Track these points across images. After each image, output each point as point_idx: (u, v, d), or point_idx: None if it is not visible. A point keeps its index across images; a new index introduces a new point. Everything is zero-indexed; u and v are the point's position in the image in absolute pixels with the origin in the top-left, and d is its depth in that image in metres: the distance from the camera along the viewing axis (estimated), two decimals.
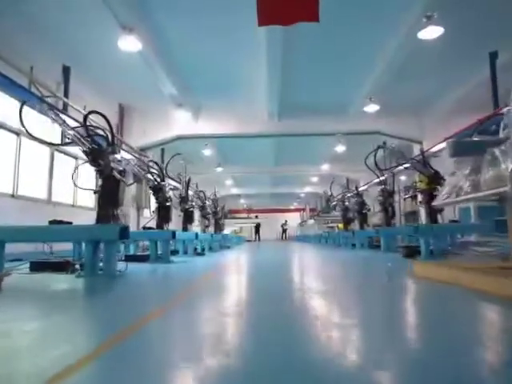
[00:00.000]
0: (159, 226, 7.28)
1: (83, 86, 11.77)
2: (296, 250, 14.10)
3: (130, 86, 12.64)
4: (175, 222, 12.30)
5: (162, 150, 18.72)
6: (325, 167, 22.86)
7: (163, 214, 7.31)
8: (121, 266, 5.02)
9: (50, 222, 5.17)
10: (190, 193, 10.78)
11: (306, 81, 12.57)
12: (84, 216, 11.60)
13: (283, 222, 41.30)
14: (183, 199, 9.56)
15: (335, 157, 20.66)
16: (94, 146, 4.79)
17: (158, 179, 7.56)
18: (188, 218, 9.76)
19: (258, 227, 30.69)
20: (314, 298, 3.12)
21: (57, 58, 10.24)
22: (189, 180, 9.99)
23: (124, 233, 4.62)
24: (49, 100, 9.16)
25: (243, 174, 25.08)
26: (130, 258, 7.36)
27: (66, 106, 10.36)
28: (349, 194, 13.47)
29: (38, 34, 9.06)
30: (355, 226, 14.98)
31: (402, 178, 19.81)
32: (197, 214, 13.11)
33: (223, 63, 11.41)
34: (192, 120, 14.41)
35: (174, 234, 7.11)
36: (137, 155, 13.74)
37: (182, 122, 14.45)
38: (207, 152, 18.15)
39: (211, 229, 14.04)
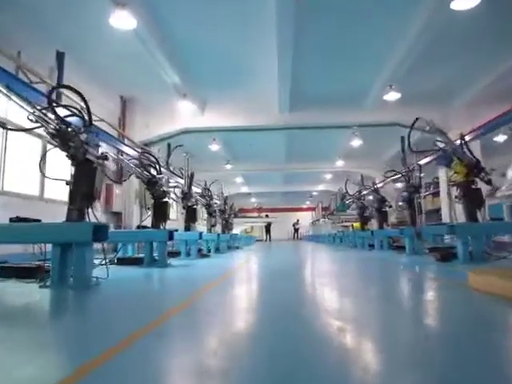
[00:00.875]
0: (154, 224, 6.39)
1: (81, 76, 10.95)
2: (310, 251, 13.12)
3: (131, 75, 11.82)
4: (181, 220, 11.56)
5: (169, 145, 18.01)
6: (339, 163, 21.78)
7: (159, 211, 6.42)
8: (101, 272, 4.14)
9: (11, 220, 4.27)
10: (196, 190, 9.88)
11: (320, 70, 11.59)
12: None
13: (295, 221, 40.29)
14: (185, 195, 8.68)
15: (350, 152, 19.59)
16: (61, 126, 3.90)
17: (155, 172, 6.67)
18: (191, 216, 8.88)
19: (268, 227, 29.67)
20: (350, 332, 2.15)
21: (49, 42, 9.44)
22: (192, 175, 9.10)
23: (100, 233, 3.73)
24: (39, 87, 8.42)
25: (253, 171, 24.13)
26: (122, 261, 6.52)
27: (59, 94, 9.56)
28: (366, 191, 12.42)
29: (27, 16, 8.27)
30: (371, 225, 14.02)
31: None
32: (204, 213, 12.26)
33: (230, 51, 10.52)
34: (198, 112, 13.53)
35: (170, 234, 6.22)
36: (137, 149, 12.93)
37: (187, 115, 13.58)
38: (215, 147, 17.26)
39: (218, 228, 13.18)
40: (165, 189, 6.40)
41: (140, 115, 13.85)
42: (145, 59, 10.31)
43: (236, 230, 30.89)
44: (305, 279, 4.62)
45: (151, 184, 6.29)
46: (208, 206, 11.27)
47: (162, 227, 6.51)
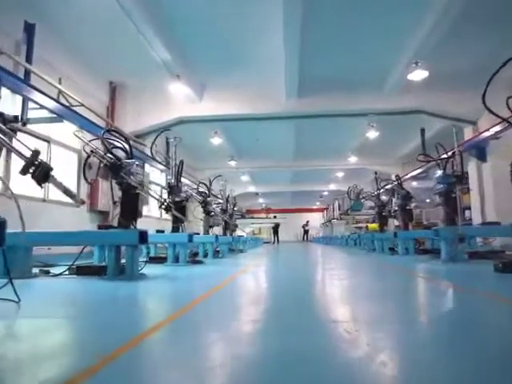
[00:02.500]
0: (122, 223, 4.88)
1: (58, 55, 9.57)
2: (323, 257, 11.52)
3: (119, 56, 10.45)
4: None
5: (166, 139, 16.59)
6: (352, 160, 20.13)
7: (128, 206, 4.92)
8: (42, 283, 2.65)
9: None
10: (187, 181, 8.37)
11: (332, 47, 10.10)
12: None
13: (304, 222, 38.68)
14: (172, 189, 7.17)
15: (364, 147, 17.96)
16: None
17: (124, 155, 5.19)
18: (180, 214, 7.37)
19: (276, 228, 28.01)
20: None
21: (16, 10, 8.04)
22: (180, 164, 7.59)
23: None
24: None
25: (260, 169, 22.59)
26: (81, 271, 5.06)
27: (28, 73, 8.15)
28: (388, 186, 10.79)
29: None
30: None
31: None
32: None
33: (230, 27, 9.13)
34: (195, 99, 12.06)
35: (142, 235, 4.71)
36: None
37: (182, 102, 12.13)
38: (216, 141, 15.76)
39: (219, 230, 11.69)
40: (135, 178, 4.90)
41: (131, 103, 12.43)
42: (132, 35, 8.91)
43: (242, 232, 29.48)
44: (328, 309, 2.79)
45: (114, 170, 4.79)
46: (205, 204, 9.77)
47: (133, 227, 5.00)
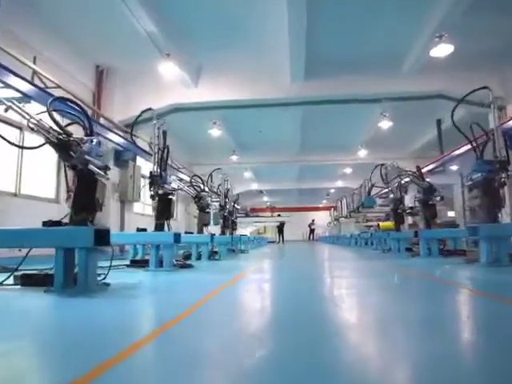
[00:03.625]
0: (75, 219, 3.70)
1: (33, 30, 8.45)
2: (335, 259, 10.28)
3: (104, 35, 9.34)
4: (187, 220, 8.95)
5: (164, 132, 15.43)
6: (361, 154, 18.85)
7: (83, 197, 3.74)
8: None
9: None
10: (183, 176, 7.20)
11: (343, 23, 8.93)
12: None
13: (310, 221, 37.40)
14: (155, 179, 5.99)
15: (375, 139, 16.70)
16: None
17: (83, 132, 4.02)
18: (164, 210, 6.19)
19: (281, 227, 26.69)
20: None
21: None
22: (166, 150, 6.42)
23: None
24: None
25: (264, 164, 21.37)
26: (25, 280, 3.91)
27: None
28: (407, 178, 9.52)
29: None
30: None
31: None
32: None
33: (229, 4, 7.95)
34: (190, 83, 10.88)
35: (100, 235, 3.52)
36: (116, 131, 10.48)
37: (177, 87, 10.97)
38: (215, 132, 14.56)
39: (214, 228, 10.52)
40: (93, 159, 3.72)
41: (120, 90, 11.30)
42: (118, 11, 7.81)
43: (246, 231, 28.27)
44: (356, 364, 1.53)
45: (62, 149, 3.61)
46: (198, 199, 8.59)
47: (91, 224, 3.82)
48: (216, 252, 9.60)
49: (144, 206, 13.86)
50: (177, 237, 5.97)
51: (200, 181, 9.05)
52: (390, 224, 18.12)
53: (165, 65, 9.46)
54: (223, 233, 11.06)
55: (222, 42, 9.71)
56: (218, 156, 18.88)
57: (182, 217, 18.50)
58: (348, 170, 23.19)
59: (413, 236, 8.37)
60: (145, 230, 6.47)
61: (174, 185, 6.98)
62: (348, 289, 3.97)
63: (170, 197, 6.33)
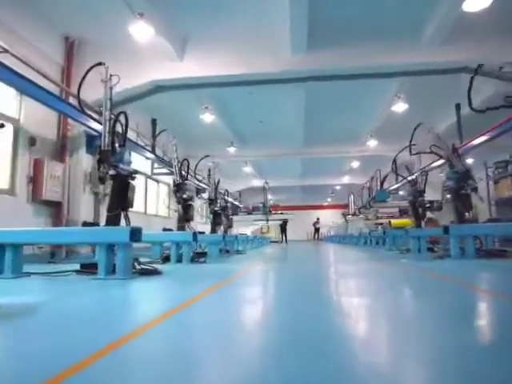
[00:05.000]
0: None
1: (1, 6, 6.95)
2: (346, 262, 8.64)
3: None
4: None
5: (154, 120, 13.91)
6: (371, 144, 17.17)
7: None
8: None
9: None
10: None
11: None
12: None
13: (315, 220, 35.74)
14: (103, 158, 4.41)
15: (387, 126, 15.03)
16: None
17: None
18: (119, 197, 4.62)
19: (284, 226, 24.95)
20: None
21: None
22: (116, 116, 4.85)
23: None
24: None
25: (264, 157, 19.76)
26: None
27: None
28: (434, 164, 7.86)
29: None
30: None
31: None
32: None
33: None
34: (175, 57, 9.31)
35: None
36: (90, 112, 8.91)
37: (159, 60, 9.40)
38: (208, 117, 12.98)
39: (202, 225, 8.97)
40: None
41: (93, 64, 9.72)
42: None
43: (247, 230, 26.54)
44: None
45: None
46: (177, 189, 7.03)
47: None
48: (204, 253, 8.07)
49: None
50: (135, 234, 4.39)
51: (179, 168, 7.45)
52: (404, 221, 16.51)
53: (137, 26, 7.84)
54: (214, 230, 9.50)
55: (210, 7, 8.18)
56: (215, 148, 17.29)
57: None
58: (355, 164, 21.47)
59: (443, 232, 6.72)
60: (97, 224, 4.91)
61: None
62: (364, 298, 2.38)
63: (128, 180, 4.75)
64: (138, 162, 13.68)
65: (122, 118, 4.93)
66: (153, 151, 12.97)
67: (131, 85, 9.51)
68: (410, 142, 7.69)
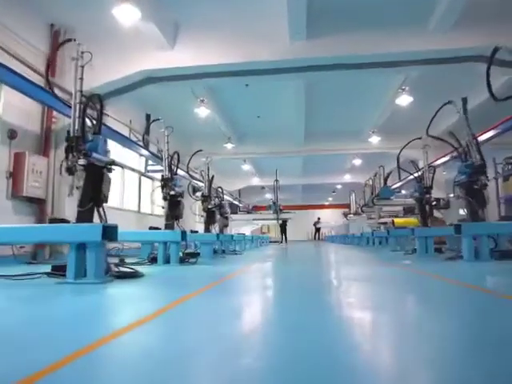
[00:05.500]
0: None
1: None
2: (351, 264, 8.04)
3: None
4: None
5: (148, 116, 13.37)
6: (374, 141, 16.58)
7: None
8: None
9: None
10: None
11: None
12: None
13: (316, 219, 35.18)
14: (71, 142, 3.85)
15: (390, 122, 14.48)
16: None
17: None
18: (94, 189, 4.05)
19: (284, 225, 24.27)
20: None
21: None
22: (92, 100, 4.29)
23: None
24: None
25: (264, 155, 19.16)
26: None
27: None
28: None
29: None
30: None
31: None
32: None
33: None
34: (166, 45, 8.74)
35: None
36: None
37: (148, 50, 8.84)
38: (203, 112, 12.42)
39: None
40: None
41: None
42: None
43: (247, 230, 25.89)
44: None
45: None
46: (164, 184, 6.47)
47: None
48: (197, 254, 7.53)
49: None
50: (109, 231, 3.83)
51: (168, 161, 6.88)
52: (408, 220, 15.91)
53: (121, 7, 7.27)
54: (208, 229, 8.94)
55: None
56: (212, 145, 16.71)
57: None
58: (357, 162, 20.88)
59: (454, 232, 6.14)
60: (66, 221, 4.35)
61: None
62: (381, 314, 1.82)
63: (103, 172, 4.18)
64: (133, 159, 13.20)
65: (95, 102, 4.35)
66: (146, 147, 12.43)
67: (120, 75, 8.97)
68: (433, 118, 7.13)
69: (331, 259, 8.82)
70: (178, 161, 7.34)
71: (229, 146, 16.65)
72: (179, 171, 7.46)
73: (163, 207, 6.52)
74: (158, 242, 6.42)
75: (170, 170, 6.76)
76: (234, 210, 25.51)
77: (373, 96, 12.52)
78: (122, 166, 11.55)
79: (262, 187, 29.36)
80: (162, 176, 6.34)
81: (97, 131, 4.31)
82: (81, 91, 4.20)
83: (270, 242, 25.67)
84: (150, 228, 6.76)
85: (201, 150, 9.31)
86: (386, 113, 13.63)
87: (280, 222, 22.90)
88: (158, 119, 6.65)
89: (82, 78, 4.25)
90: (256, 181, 26.74)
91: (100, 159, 4.14)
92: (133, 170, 13.52)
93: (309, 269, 6.44)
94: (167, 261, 6.30)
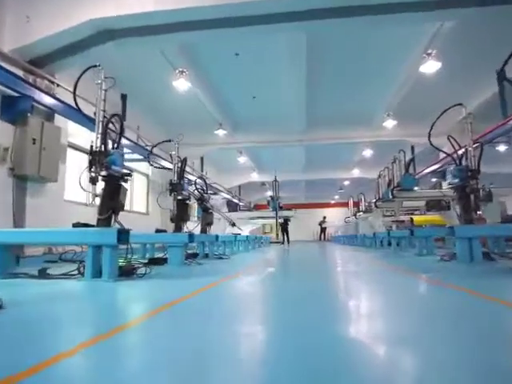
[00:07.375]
0: None
1: None
2: (371, 278, 5.83)
3: None
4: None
5: (124, 96, 11.22)
6: (388, 125, 14.29)
7: None
8: None
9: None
10: None
11: None
12: None
13: (321, 219, 33.03)
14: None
15: (409, 103, 12.24)
16: None
17: None
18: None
19: (285, 224, 21.75)
20: None
21: None
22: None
23: None
24: None
25: (261, 144, 16.97)
26: None
27: None
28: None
29: None
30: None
31: None
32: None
33: None
34: None
35: None
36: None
37: None
38: (182, 84, 10.23)
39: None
40: None
41: (13, 3, 7.09)
42: None
43: (245, 230, 23.65)
44: None
45: None
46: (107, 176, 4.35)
47: None
48: (163, 260, 5.41)
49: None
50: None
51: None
52: (432, 218, 13.66)
53: None
54: (178, 228, 6.77)
55: None
56: (201, 132, 14.59)
57: (155, 210, 14.15)
58: (368, 153, 18.56)
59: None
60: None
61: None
62: None
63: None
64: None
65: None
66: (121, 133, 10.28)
67: (69, 24, 6.82)
68: (435, 122, 4.73)
69: (347, 270, 6.52)
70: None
71: (220, 132, 14.47)
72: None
73: (96, 195, 4.33)
74: (86, 245, 4.24)
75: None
76: (234, 208, 23.42)
77: (389, 65, 10.29)
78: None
79: (262, 183, 27.09)
80: (91, 147, 4.24)
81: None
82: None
83: (271, 242, 23.34)
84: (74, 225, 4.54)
85: (169, 141, 7.13)
86: (405, 88, 11.38)
87: (281, 220, 20.62)
88: (95, 66, 4.49)
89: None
90: (255, 176, 24.55)
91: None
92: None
93: (315, 293, 4.09)
94: (99, 273, 4.11)
